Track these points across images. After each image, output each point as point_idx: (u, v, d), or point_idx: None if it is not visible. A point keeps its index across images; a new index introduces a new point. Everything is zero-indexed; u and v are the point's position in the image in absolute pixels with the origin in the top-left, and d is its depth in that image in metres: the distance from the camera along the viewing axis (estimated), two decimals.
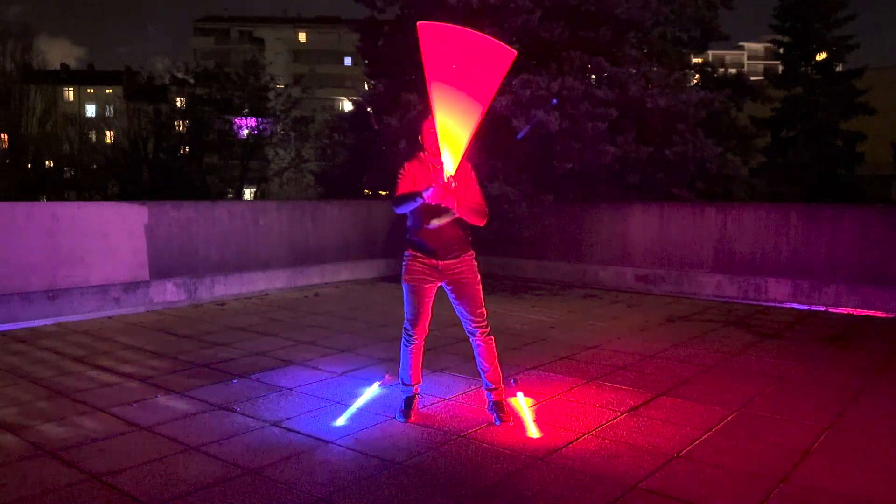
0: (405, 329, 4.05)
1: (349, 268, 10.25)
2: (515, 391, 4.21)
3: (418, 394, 4.20)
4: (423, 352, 4.15)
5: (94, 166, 39.45)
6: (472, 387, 4.71)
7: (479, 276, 4.01)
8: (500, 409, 4.02)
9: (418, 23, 3.63)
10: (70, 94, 63.33)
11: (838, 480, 3.24)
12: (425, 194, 3.65)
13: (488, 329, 4.04)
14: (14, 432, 3.86)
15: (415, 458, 3.49)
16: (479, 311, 3.98)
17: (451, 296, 4.00)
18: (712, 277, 8.82)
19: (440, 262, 3.90)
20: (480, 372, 4.09)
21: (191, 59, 38.63)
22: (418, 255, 3.93)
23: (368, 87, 13.99)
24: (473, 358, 4.14)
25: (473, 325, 4.00)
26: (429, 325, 4.09)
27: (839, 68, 26.83)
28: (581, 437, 3.79)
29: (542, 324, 7.10)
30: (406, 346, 4.07)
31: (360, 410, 4.21)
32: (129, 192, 29.70)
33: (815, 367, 5.35)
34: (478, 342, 4.02)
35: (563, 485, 3.19)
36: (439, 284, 3.98)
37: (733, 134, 12.24)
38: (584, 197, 10.40)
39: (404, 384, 4.13)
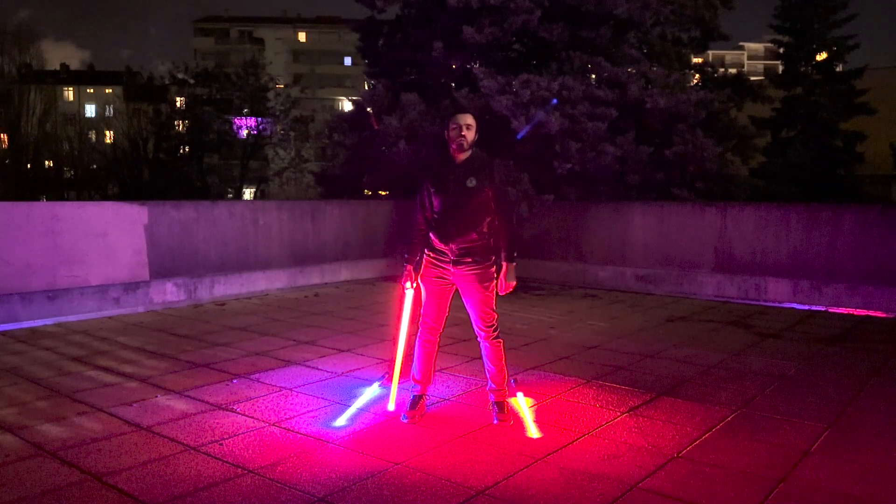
0: (420, 322, 4.12)
1: (349, 268, 10.26)
2: (515, 391, 4.21)
3: (426, 394, 4.18)
4: (437, 352, 4.16)
5: (94, 166, 39.52)
6: (472, 387, 4.71)
7: (490, 283, 3.95)
8: (501, 409, 4.02)
9: None
10: (70, 94, 63.31)
11: (838, 480, 3.24)
12: (403, 280, 4.08)
13: (496, 333, 4.01)
14: (14, 432, 3.85)
15: (415, 458, 3.49)
16: (485, 314, 3.96)
17: (462, 295, 4.02)
18: (712, 277, 8.82)
19: (451, 266, 3.94)
20: (486, 371, 4.11)
21: (191, 60, 38.61)
22: (431, 253, 4.02)
23: (368, 87, 14.01)
24: (473, 358, 4.15)
25: (478, 328, 4.01)
26: (444, 323, 4.11)
27: (839, 68, 26.81)
28: (581, 437, 3.79)
29: (542, 324, 7.10)
30: (418, 338, 4.11)
31: (360, 410, 4.21)
32: (129, 192, 29.75)
33: (815, 367, 5.35)
34: (485, 344, 4.03)
35: (563, 485, 3.19)
36: (453, 281, 3.99)
37: (733, 134, 12.25)
38: (585, 197, 10.40)
39: (412, 379, 4.14)
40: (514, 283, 3.97)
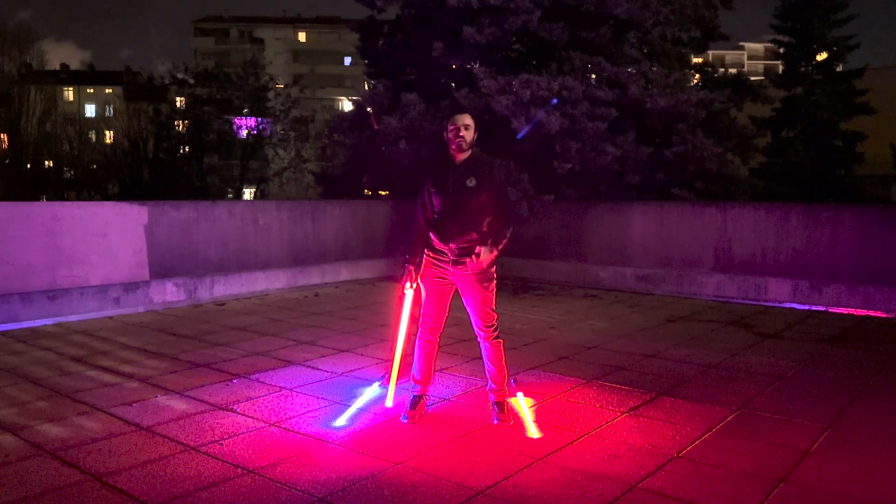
0: (420, 322, 4.10)
1: (349, 268, 10.26)
2: (515, 391, 4.21)
3: (426, 395, 4.18)
4: (436, 352, 4.15)
5: (94, 166, 39.49)
6: (472, 387, 4.71)
7: (490, 283, 3.94)
8: (501, 409, 4.02)
9: None
10: (70, 94, 63.31)
11: (838, 480, 3.24)
12: (404, 280, 4.04)
13: (496, 333, 4.01)
14: (14, 432, 3.85)
15: (415, 458, 3.49)
16: (485, 314, 3.96)
17: (461, 295, 4.01)
18: (712, 277, 8.82)
19: (451, 266, 3.93)
20: (486, 371, 4.10)
21: (191, 60, 38.60)
22: (431, 253, 4.00)
23: (368, 87, 14.01)
24: (473, 358, 4.14)
25: (478, 328, 4.00)
26: (444, 324, 4.11)
27: (839, 68, 26.82)
28: (581, 437, 3.79)
29: (542, 324, 7.10)
30: (417, 338, 4.10)
31: (360, 410, 4.21)
32: (129, 192, 29.76)
33: (815, 367, 5.36)
34: (484, 344, 4.03)
35: (563, 485, 3.19)
36: (453, 281, 3.98)
37: (733, 134, 12.25)
38: (585, 197, 10.40)
39: (412, 380, 4.14)
40: (484, 265, 3.80)
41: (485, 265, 3.81)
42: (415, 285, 4.04)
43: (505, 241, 3.88)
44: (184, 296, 8.17)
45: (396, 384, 4.23)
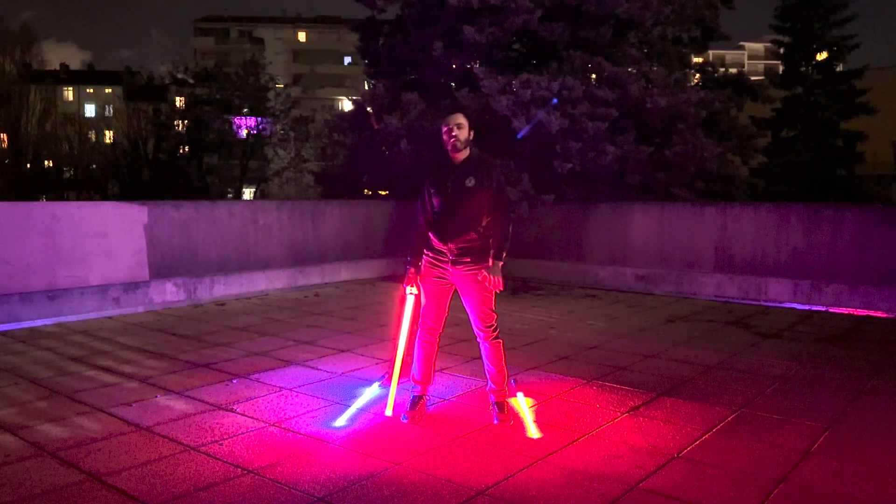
0: (420, 322, 4.10)
1: (349, 268, 10.25)
2: (515, 391, 4.21)
3: (426, 395, 4.18)
4: (436, 352, 4.15)
5: (94, 166, 39.51)
6: (472, 387, 4.71)
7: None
8: (501, 409, 4.02)
9: None
10: (70, 93, 63.27)
11: (838, 480, 3.24)
12: (405, 283, 4.07)
13: (495, 333, 4.00)
14: (14, 432, 3.85)
15: (415, 458, 3.49)
16: (484, 315, 3.96)
17: (461, 295, 4.01)
18: (712, 277, 8.82)
19: (450, 266, 3.93)
20: (486, 371, 4.10)
21: (191, 60, 38.61)
22: (430, 253, 4.00)
23: (368, 87, 14.01)
24: (473, 358, 4.14)
25: (478, 328, 4.00)
26: (444, 324, 4.11)
27: (839, 68, 26.84)
28: (581, 437, 3.79)
29: (542, 324, 7.10)
30: (417, 339, 4.10)
31: (360, 410, 4.21)
32: (129, 192, 29.80)
33: (815, 367, 5.35)
34: (484, 345, 4.03)
35: (564, 485, 3.19)
36: (452, 281, 3.98)
37: (733, 134, 12.25)
38: (585, 197, 10.40)
39: (412, 380, 4.13)
40: (500, 278, 3.87)
41: (500, 285, 3.88)
42: (416, 291, 4.04)
43: (507, 246, 3.92)
44: (184, 296, 8.17)
45: (395, 389, 4.21)
